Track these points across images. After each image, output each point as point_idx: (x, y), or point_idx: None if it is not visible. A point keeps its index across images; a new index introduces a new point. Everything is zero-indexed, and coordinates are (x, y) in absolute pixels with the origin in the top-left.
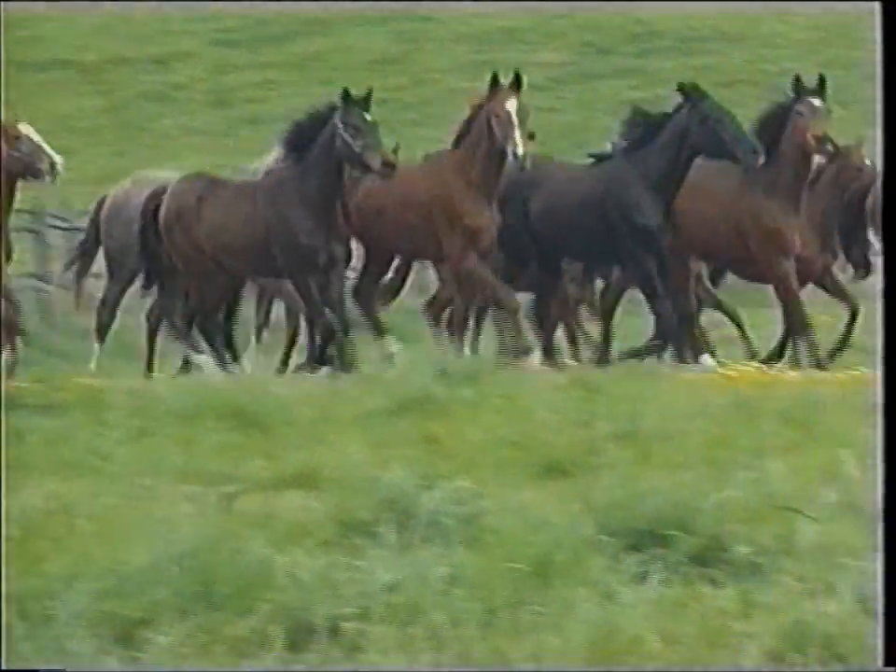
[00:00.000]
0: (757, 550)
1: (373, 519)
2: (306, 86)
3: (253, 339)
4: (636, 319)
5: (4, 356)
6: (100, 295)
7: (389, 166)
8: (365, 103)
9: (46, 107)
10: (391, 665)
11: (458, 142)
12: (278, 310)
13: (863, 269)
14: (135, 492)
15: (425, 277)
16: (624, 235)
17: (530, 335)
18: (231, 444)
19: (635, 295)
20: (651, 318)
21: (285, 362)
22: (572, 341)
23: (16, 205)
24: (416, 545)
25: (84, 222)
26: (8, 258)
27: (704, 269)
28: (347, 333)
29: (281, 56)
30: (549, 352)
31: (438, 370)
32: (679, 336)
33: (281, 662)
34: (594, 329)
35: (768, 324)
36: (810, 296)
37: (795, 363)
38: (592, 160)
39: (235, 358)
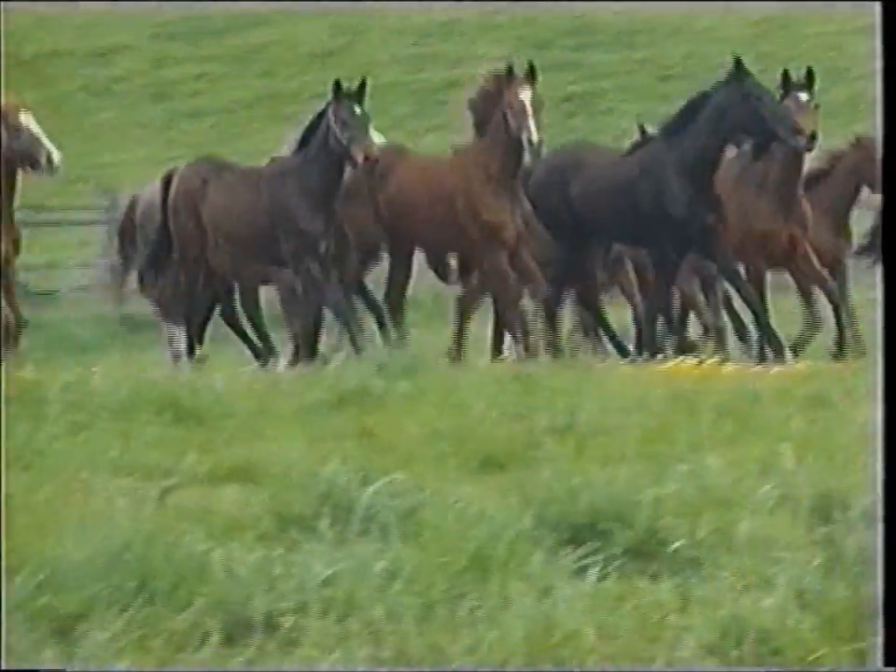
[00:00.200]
0: (694, 543)
1: (311, 513)
2: (246, 79)
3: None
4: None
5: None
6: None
7: (371, 160)
8: (358, 95)
9: None
10: (328, 660)
11: (479, 134)
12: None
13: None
14: (72, 486)
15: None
16: (652, 221)
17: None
18: (169, 438)
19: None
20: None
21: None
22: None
23: None
24: (354, 539)
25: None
26: (17, 250)
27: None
28: (354, 320)
29: (221, 49)
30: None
31: (376, 363)
32: (650, 330)
33: (217, 656)
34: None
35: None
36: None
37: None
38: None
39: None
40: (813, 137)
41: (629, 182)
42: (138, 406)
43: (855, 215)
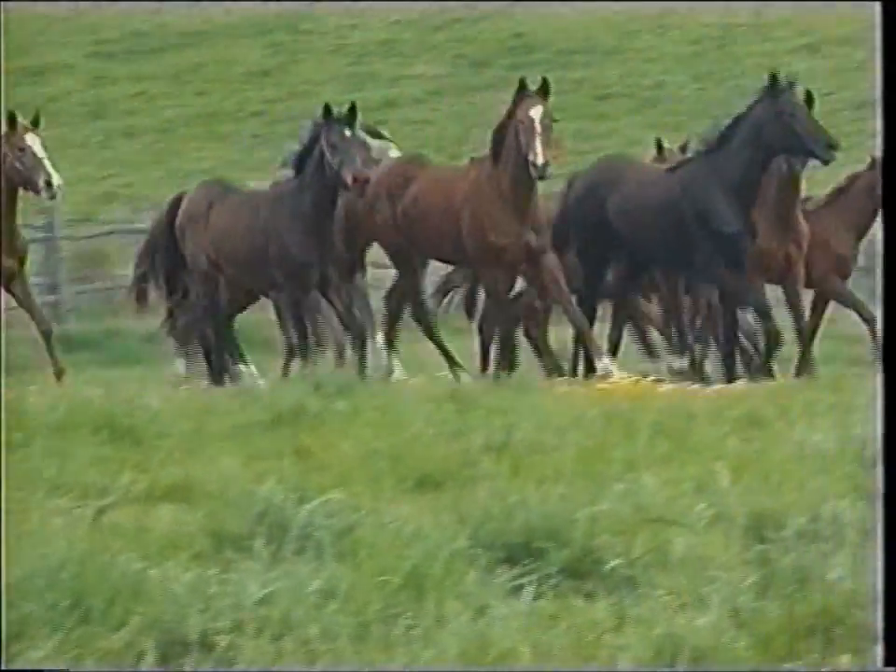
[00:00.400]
0: (629, 562)
1: (247, 532)
2: (182, 98)
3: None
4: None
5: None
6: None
7: (360, 182)
8: (349, 118)
9: None
10: None
11: (495, 151)
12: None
13: None
14: (8, 505)
15: None
16: (701, 241)
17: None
18: (105, 457)
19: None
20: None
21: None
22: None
23: None
24: (289, 558)
25: None
26: (21, 263)
27: None
28: (362, 345)
29: (157, 68)
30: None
31: (312, 382)
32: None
33: None
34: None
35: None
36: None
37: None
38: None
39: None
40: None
41: (671, 201)
42: (74, 425)
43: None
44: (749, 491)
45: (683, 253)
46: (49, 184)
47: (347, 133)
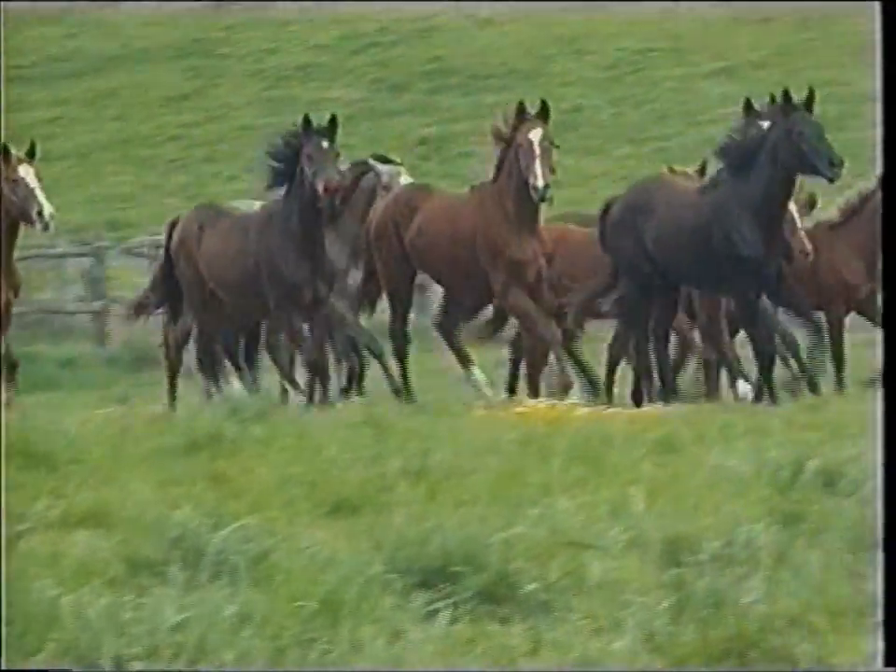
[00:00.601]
0: (545, 586)
1: (162, 558)
2: (100, 122)
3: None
4: None
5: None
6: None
7: (330, 192)
8: (329, 129)
9: None
10: None
11: (496, 173)
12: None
13: None
14: None
15: None
16: (727, 264)
17: (571, 371)
18: (19, 483)
19: None
20: None
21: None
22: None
23: None
24: (204, 584)
25: None
26: (16, 293)
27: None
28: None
29: (75, 92)
30: (668, 384)
31: (228, 407)
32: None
33: None
34: None
35: None
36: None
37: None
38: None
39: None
40: None
41: (702, 224)
42: None
43: None
44: (664, 515)
45: (713, 277)
46: (40, 214)
47: (325, 144)
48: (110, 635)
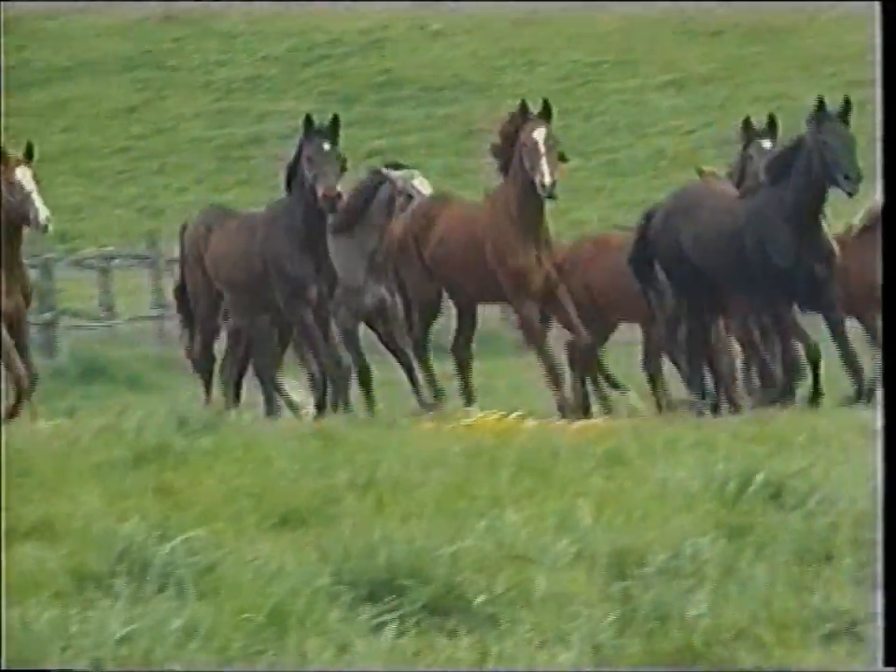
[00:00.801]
0: (492, 599)
1: (108, 571)
2: (48, 134)
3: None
4: None
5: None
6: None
7: (329, 198)
8: (331, 131)
9: None
10: None
11: (503, 176)
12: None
13: None
14: None
15: None
16: (759, 272)
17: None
18: None
19: None
20: None
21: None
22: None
23: None
24: (151, 597)
25: None
26: (28, 302)
27: None
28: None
29: (24, 104)
30: (729, 396)
31: (176, 419)
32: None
33: None
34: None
35: None
36: None
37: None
38: None
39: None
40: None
41: (737, 230)
42: None
43: None
44: (611, 528)
45: (747, 283)
46: (36, 218)
47: (326, 146)
48: (56, 648)
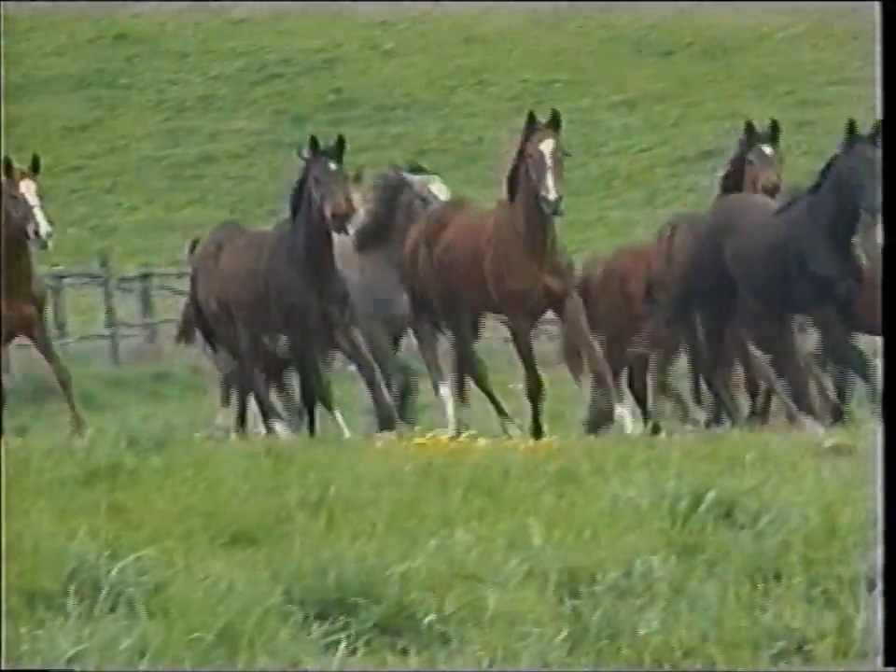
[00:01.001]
0: (442, 618)
1: (59, 590)
2: None
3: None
4: None
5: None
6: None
7: (338, 217)
8: (337, 150)
9: None
10: None
11: (510, 191)
12: None
13: None
14: None
15: None
16: (801, 284)
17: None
18: None
19: None
20: None
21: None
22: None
23: None
24: (101, 616)
25: None
26: (40, 309)
27: None
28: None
29: None
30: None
31: (128, 438)
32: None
33: None
34: None
35: None
36: None
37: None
38: None
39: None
40: (775, 189)
41: (777, 244)
42: None
43: None
44: (562, 546)
45: (786, 297)
46: (36, 233)
47: (332, 166)
48: (6, 667)
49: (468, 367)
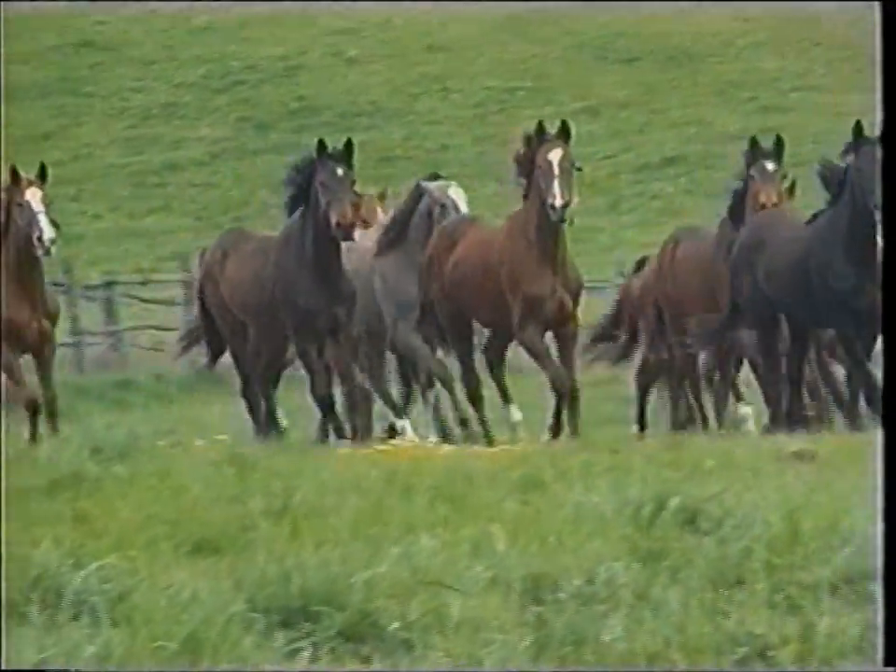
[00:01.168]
0: (406, 625)
1: (22, 598)
2: None
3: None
4: None
5: None
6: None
7: (343, 226)
8: (345, 155)
9: None
10: None
11: (524, 200)
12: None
13: None
14: None
15: None
16: (823, 296)
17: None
18: None
19: None
20: None
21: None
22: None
23: None
24: (64, 624)
25: None
26: (53, 321)
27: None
28: (365, 400)
29: None
30: (798, 418)
31: (91, 446)
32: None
33: None
34: None
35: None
36: None
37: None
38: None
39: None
40: (775, 205)
41: (802, 257)
42: None
43: None
44: (525, 553)
45: (811, 309)
46: (40, 240)
47: (339, 171)
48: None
49: (466, 380)
